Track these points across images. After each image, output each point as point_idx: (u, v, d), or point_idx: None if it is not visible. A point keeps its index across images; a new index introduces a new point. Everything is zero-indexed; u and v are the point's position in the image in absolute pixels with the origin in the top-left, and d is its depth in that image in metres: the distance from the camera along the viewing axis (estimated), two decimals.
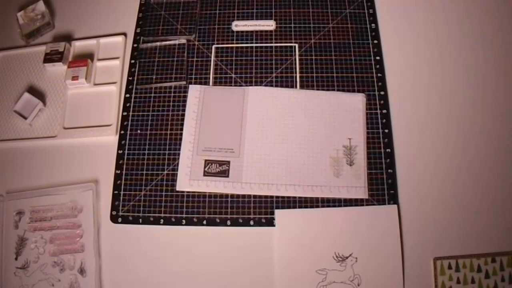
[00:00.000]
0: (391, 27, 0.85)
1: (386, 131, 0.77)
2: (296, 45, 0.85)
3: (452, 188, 0.74)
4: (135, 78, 0.85)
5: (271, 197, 0.75)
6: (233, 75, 0.83)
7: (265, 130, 0.78)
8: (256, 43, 0.86)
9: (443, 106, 0.79)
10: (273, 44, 0.85)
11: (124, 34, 0.89)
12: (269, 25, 0.87)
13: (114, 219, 0.75)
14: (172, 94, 0.82)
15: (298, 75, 0.82)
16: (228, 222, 0.74)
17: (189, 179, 0.76)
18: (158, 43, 0.85)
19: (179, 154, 0.78)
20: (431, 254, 0.70)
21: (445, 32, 0.85)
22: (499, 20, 0.85)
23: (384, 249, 0.70)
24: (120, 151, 0.80)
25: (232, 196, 0.75)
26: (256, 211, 0.74)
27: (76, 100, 0.85)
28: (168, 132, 0.80)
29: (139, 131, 0.81)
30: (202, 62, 0.85)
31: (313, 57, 0.83)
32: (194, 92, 0.82)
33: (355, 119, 0.78)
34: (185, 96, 0.82)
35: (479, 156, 0.75)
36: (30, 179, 0.80)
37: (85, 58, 0.87)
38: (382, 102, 0.79)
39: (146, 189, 0.77)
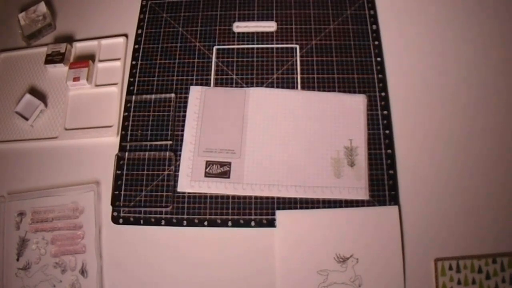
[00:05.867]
0: (392, 28, 0.86)
1: (387, 132, 0.78)
2: (297, 46, 0.85)
3: (453, 189, 0.74)
4: (136, 79, 0.85)
5: (272, 198, 0.75)
6: (234, 76, 0.83)
7: (266, 131, 0.78)
8: (257, 44, 0.86)
9: (445, 107, 0.79)
10: (274, 46, 0.85)
11: (125, 35, 0.89)
12: (270, 26, 0.87)
13: (115, 220, 0.76)
14: (173, 96, 0.82)
15: (299, 76, 0.82)
16: (229, 223, 0.74)
17: (190, 180, 0.76)
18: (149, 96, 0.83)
19: (180, 155, 0.78)
20: (432, 255, 0.70)
21: (446, 32, 0.85)
22: (502, 21, 0.85)
23: (385, 250, 0.70)
24: (121, 152, 0.80)
25: (233, 197, 0.75)
26: (257, 212, 0.74)
27: (77, 101, 0.86)
28: (169, 133, 0.80)
29: (140, 132, 0.81)
30: (203, 63, 0.85)
31: (314, 58, 0.84)
32: (195, 93, 0.82)
33: (356, 120, 0.78)
34: (186, 97, 0.82)
35: (480, 157, 0.75)
36: (32, 180, 0.80)
37: (86, 59, 0.87)
38: (383, 103, 0.80)
39: (147, 189, 0.77)
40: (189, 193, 0.76)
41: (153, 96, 0.83)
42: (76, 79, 0.84)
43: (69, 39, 0.91)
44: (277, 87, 0.82)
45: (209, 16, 0.90)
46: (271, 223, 0.73)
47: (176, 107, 0.82)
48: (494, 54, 0.82)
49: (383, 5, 0.88)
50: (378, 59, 0.83)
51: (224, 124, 0.79)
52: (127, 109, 0.83)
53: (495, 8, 0.86)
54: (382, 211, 0.73)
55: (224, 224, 0.74)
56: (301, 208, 0.74)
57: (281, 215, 0.73)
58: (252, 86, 0.82)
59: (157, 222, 0.75)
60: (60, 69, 0.87)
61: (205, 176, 0.76)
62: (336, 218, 0.72)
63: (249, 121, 0.79)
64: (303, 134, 0.78)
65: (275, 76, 0.83)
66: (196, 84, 0.83)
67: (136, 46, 0.88)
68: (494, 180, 0.74)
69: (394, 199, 0.73)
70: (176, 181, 0.77)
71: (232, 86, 0.83)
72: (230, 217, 0.74)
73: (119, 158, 0.79)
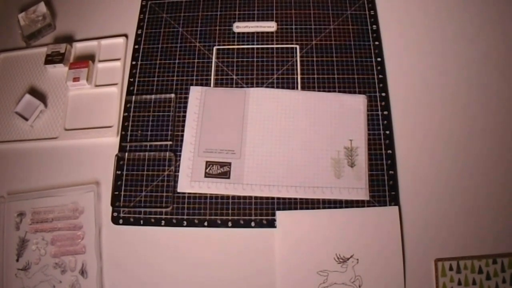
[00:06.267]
0: (392, 29, 0.86)
1: (387, 132, 0.78)
2: (297, 47, 0.85)
3: (453, 190, 0.74)
4: (136, 80, 0.85)
5: (272, 198, 0.75)
6: (234, 77, 0.83)
7: (266, 132, 0.78)
8: (257, 44, 0.86)
9: (445, 107, 0.79)
10: (274, 46, 0.85)
11: (125, 36, 0.89)
12: (270, 26, 0.87)
13: (115, 220, 0.75)
14: (173, 96, 0.82)
15: (299, 76, 0.82)
16: (229, 224, 0.74)
17: (190, 180, 0.76)
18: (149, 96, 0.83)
19: (180, 155, 0.78)
20: (432, 256, 0.70)
21: (446, 33, 0.85)
22: (502, 21, 0.85)
23: (385, 250, 0.70)
24: (121, 152, 0.80)
25: (233, 197, 0.75)
26: (257, 212, 0.74)
27: (77, 101, 0.85)
28: (169, 133, 0.80)
29: (140, 132, 0.81)
30: (203, 63, 0.85)
31: (314, 59, 0.84)
32: (195, 93, 0.82)
33: (356, 120, 0.78)
34: (186, 98, 0.82)
35: (480, 157, 0.75)
36: (31, 181, 0.80)
37: (86, 59, 0.87)
38: (383, 103, 0.80)
39: (147, 190, 0.77)
40: (189, 193, 0.76)
41: (153, 96, 0.83)
42: (76, 79, 0.84)
43: (69, 39, 0.91)
44: (277, 87, 0.82)
45: (209, 16, 0.90)
46: (271, 224, 0.73)
47: (176, 107, 0.82)
48: (494, 54, 0.82)
49: (383, 5, 0.88)
50: (378, 59, 0.83)
51: (224, 124, 0.79)
52: (127, 109, 0.83)
53: (496, 8, 0.86)
54: (382, 211, 0.72)
55: (224, 224, 0.74)
56: (301, 208, 0.74)
57: (281, 216, 0.73)
58: (252, 86, 0.82)
59: (157, 223, 0.75)
60: (60, 69, 0.87)
61: (205, 176, 0.76)
62: (336, 219, 0.72)
63: (249, 121, 0.79)
64: (303, 134, 0.78)
65: (275, 76, 0.83)
66: (196, 85, 0.83)
67: (136, 46, 0.88)
68: (494, 180, 0.74)
69: (394, 200, 0.73)
70: (176, 181, 0.76)
71: (232, 86, 0.83)
72: (230, 217, 0.74)
73: (119, 159, 0.79)
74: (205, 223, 0.74)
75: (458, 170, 0.75)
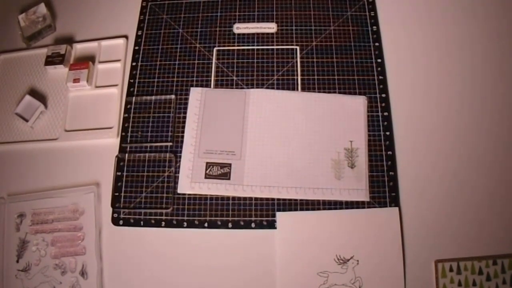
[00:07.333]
0: (392, 30, 0.86)
1: (388, 133, 0.78)
2: (298, 48, 0.85)
3: (454, 191, 0.74)
4: (136, 81, 0.85)
5: (273, 199, 0.75)
6: (235, 78, 0.83)
7: (267, 133, 0.78)
8: (258, 45, 0.86)
9: (445, 108, 0.79)
10: (275, 47, 0.85)
11: (126, 37, 0.89)
12: (270, 27, 0.87)
13: (115, 221, 0.75)
14: (173, 97, 0.82)
15: (299, 77, 0.82)
16: (230, 225, 0.74)
17: (191, 181, 0.76)
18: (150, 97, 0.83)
19: (180, 157, 0.78)
20: (432, 257, 0.70)
21: (447, 34, 0.85)
22: (503, 23, 0.85)
23: (385, 251, 0.70)
24: (121, 153, 0.80)
25: (234, 198, 0.75)
26: (258, 213, 0.74)
27: (77, 102, 0.86)
28: (169, 134, 0.80)
29: (140, 133, 0.81)
30: (203, 64, 0.85)
31: (315, 60, 0.84)
32: (196, 94, 0.82)
33: (356, 121, 0.78)
34: (186, 99, 0.82)
35: (481, 158, 0.75)
36: (32, 182, 0.80)
37: (87, 60, 0.87)
38: (383, 104, 0.80)
39: (147, 191, 0.77)
40: (189, 194, 0.76)
41: (153, 98, 0.83)
42: (76, 80, 0.84)
43: (69, 41, 0.91)
44: (278, 88, 0.82)
45: (209, 17, 0.90)
46: (271, 225, 0.73)
47: (176, 109, 0.82)
48: (496, 55, 0.82)
49: (384, 6, 0.88)
50: (379, 60, 0.83)
51: (224, 125, 0.79)
52: (127, 110, 0.83)
53: (497, 9, 0.86)
54: (382, 212, 0.72)
55: (224, 225, 0.74)
56: (301, 209, 0.74)
57: (281, 217, 0.73)
58: (252, 88, 0.82)
59: (157, 224, 0.75)
60: (60, 71, 0.87)
61: (205, 177, 0.76)
62: (336, 220, 0.72)
63: (249, 122, 0.79)
64: (303, 135, 0.78)
65: (275, 77, 0.83)
66: (196, 86, 0.83)
67: (136, 48, 0.88)
68: (494, 181, 0.74)
69: (394, 201, 0.73)
70: (176, 182, 0.76)
71: (232, 88, 0.83)
72: (230, 218, 0.74)
73: (119, 160, 0.79)
74: (205, 224, 0.74)
75: (459, 171, 0.75)
